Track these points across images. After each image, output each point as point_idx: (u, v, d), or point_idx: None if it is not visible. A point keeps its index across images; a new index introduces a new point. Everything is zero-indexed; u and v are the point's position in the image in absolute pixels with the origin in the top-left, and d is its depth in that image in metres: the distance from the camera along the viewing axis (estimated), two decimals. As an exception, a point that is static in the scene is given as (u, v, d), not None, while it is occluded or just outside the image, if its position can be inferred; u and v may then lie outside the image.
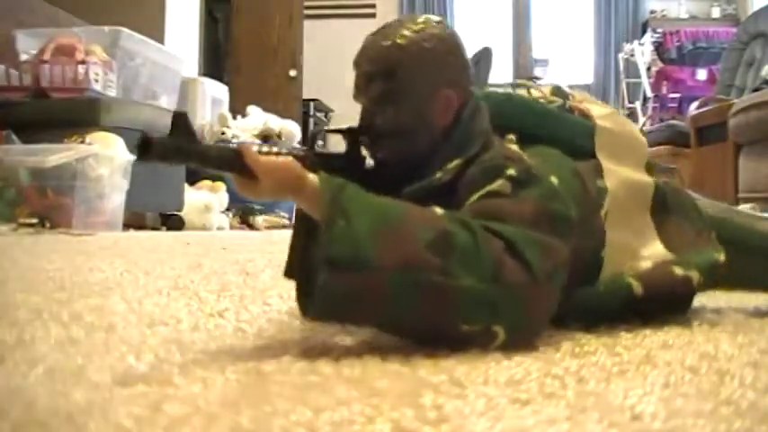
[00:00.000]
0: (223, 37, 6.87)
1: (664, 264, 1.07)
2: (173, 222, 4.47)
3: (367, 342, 0.89)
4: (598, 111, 1.18)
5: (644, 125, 5.90)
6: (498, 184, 0.95)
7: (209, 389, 0.68)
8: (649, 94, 5.95)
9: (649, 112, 5.93)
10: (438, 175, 1.01)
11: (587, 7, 6.84)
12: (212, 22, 6.77)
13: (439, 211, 0.89)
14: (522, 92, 1.19)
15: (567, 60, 6.87)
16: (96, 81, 4.05)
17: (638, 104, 6.15)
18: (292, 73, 6.68)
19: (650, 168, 1.18)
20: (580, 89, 1.31)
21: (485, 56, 4.93)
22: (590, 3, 6.81)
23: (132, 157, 3.79)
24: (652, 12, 6.67)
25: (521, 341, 0.87)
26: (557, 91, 1.21)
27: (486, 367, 0.77)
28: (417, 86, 1.03)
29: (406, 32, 1.04)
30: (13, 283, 1.48)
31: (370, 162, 1.10)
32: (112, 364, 0.77)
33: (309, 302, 0.83)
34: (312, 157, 1.01)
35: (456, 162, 1.01)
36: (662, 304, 1.06)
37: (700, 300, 1.24)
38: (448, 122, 1.04)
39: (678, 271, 1.06)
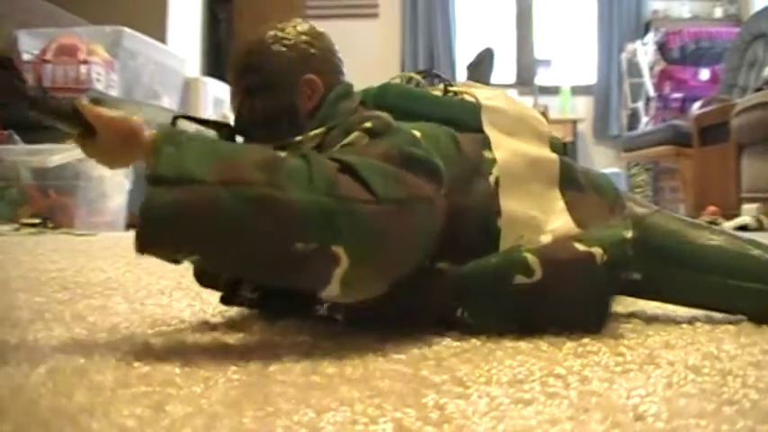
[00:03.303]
0: (225, 36, 6.86)
1: (565, 239, 0.99)
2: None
3: (369, 342, 0.89)
4: (484, 93, 1.14)
5: (647, 125, 5.90)
6: (353, 136, 0.93)
7: (211, 389, 0.68)
8: (652, 94, 5.93)
9: (652, 112, 5.92)
10: (297, 138, 1.01)
11: (590, 7, 6.83)
12: (214, 21, 6.77)
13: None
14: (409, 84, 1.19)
15: (569, 61, 6.86)
16: (98, 81, 4.05)
17: (640, 104, 6.14)
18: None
19: (556, 147, 1.12)
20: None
21: (487, 56, 4.93)
22: (593, 3, 6.80)
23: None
24: (654, 12, 6.66)
25: (367, 269, 0.83)
26: (443, 82, 1.19)
27: (489, 367, 0.77)
28: (282, 75, 1.10)
29: (271, 32, 1.12)
30: (16, 284, 1.49)
31: None
32: (115, 364, 0.77)
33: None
34: None
35: (318, 130, 1.01)
36: (565, 285, 0.96)
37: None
38: (314, 106, 1.09)
39: (579, 246, 0.96)
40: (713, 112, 4.56)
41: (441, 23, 6.75)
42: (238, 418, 0.59)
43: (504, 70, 6.68)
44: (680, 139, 4.98)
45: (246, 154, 0.85)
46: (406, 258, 0.87)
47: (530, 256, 0.95)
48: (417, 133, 0.96)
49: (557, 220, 1.03)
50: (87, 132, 0.88)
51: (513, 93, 6.55)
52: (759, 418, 0.60)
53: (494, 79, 5.26)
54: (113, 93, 4.16)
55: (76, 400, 0.63)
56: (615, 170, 6.37)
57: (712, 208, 4.21)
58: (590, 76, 6.76)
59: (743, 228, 3.76)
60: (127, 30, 4.45)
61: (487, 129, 1.08)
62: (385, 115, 0.98)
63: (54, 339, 0.93)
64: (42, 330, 0.98)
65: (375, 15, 6.89)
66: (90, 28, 4.53)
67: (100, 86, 4.06)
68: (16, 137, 3.76)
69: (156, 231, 0.80)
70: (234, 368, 0.75)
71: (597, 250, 0.95)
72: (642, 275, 1.07)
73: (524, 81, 6.74)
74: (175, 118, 1.07)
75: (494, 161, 1.04)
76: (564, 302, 0.96)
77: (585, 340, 0.91)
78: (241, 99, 1.11)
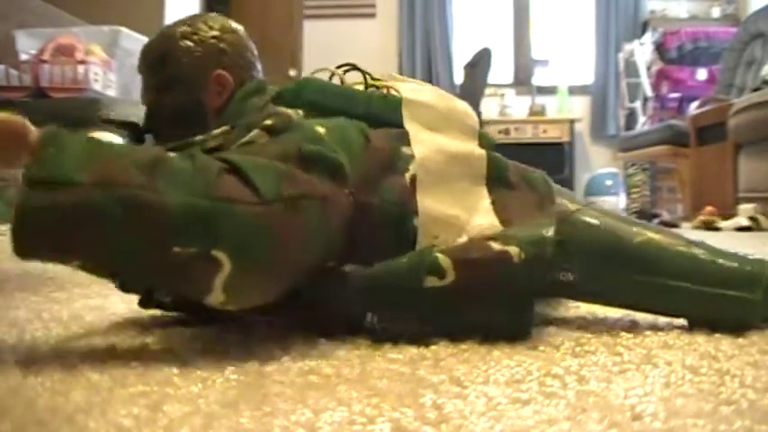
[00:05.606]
0: (223, 37, 6.86)
1: (481, 238, 0.94)
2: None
3: (367, 342, 0.89)
4: (409, 86, 1.11)
5: (644, 125, 5.90)
6: (253, 134, 0.91)
7: (208, 389, 0.68)
8: (649, 93, 5.94)
9: (649, 111, 5.93)
10: (198, 137, 0.98)
11: (587, 7, 6.83)
12: (212, 21, 6.77)
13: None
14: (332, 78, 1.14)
15: (567, 60, 6.86)
16: (96, 81, 4.05)
17: (638, 104, 6.15)
18: (292, 73, 6.68)
19: (485, 142, 1.08)
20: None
21: (484, 56, 4.93)
22: (590, 2, 6.80)
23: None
24: (652, 11, 6.66)
25: (253, 274, 0.79)
26: (365, 77, 1.14)
27: (487, 367, 0.77)
28: (188, 69, 1.09)
29: (177, 27, 1.13)
30: (13, 283, 1.48)
31: None
32: (112, 364, 0.77)
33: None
34: None
35: (221, 129, 0.99)
36: (480, 286, 0.90)
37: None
38: (223, 103, 1.08)
39: (495, 245, 0.91)
40: (710, 112, 4.56)
41: (438, 23, 6.75)
42: (236, 417, 0.59)
43: (502, 70, 6.69)
44: (677, 138, 4.98)
45: (130, 155, 0.80)
46: (294, 261, 0.83)
47: (441, 257, 0.90)
48: (321, 129, 0.92)
49: (480, 220, 0.98)
50: None
51: (510, 93, 6.57)
52: (757, 417, 0.60)
53: (491, 79, 5.26)
54: (111, 93, 4.15)
55: (74, 400, 0.63)
56: (612, 170, 6.38)
57: (710, 208, 4.22)
58: (587, 76, 6.76)
59: (741, 229, 3.77)
60: (124, 30, 4.44)
61: (407, 123, 1.05)
62: (288, 112, 0.96)
63: (52, 339, 0.93)
64: (40, 330, 0.98)
65: (372, 15, 6.89)
66: (88, 28, 4.52)
67: (98, 86, 4.05)
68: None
69: (32, 236, 0.75)
70: (231, 368, 0.75)
71: (513, 249, 0.90)
72: (576, 277, 0.99)
73: (522, 81, 6.74)
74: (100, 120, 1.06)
75: (411, 157, 0.99)
76: (481, 305, 0.91)
77: (583, 340, 0.92)
78: (153, 97, 1.11)
